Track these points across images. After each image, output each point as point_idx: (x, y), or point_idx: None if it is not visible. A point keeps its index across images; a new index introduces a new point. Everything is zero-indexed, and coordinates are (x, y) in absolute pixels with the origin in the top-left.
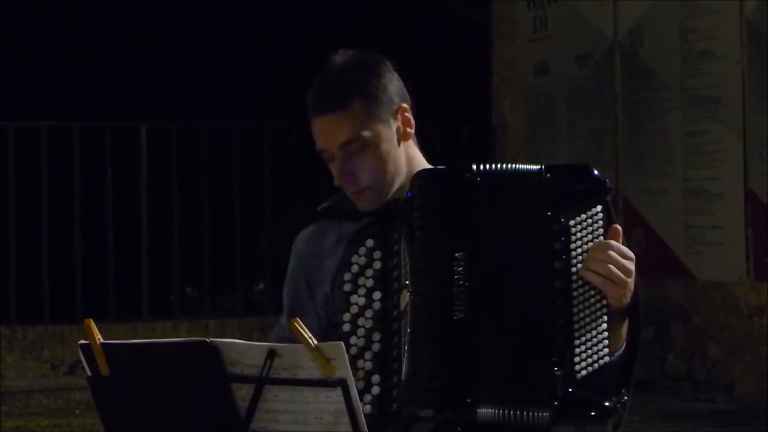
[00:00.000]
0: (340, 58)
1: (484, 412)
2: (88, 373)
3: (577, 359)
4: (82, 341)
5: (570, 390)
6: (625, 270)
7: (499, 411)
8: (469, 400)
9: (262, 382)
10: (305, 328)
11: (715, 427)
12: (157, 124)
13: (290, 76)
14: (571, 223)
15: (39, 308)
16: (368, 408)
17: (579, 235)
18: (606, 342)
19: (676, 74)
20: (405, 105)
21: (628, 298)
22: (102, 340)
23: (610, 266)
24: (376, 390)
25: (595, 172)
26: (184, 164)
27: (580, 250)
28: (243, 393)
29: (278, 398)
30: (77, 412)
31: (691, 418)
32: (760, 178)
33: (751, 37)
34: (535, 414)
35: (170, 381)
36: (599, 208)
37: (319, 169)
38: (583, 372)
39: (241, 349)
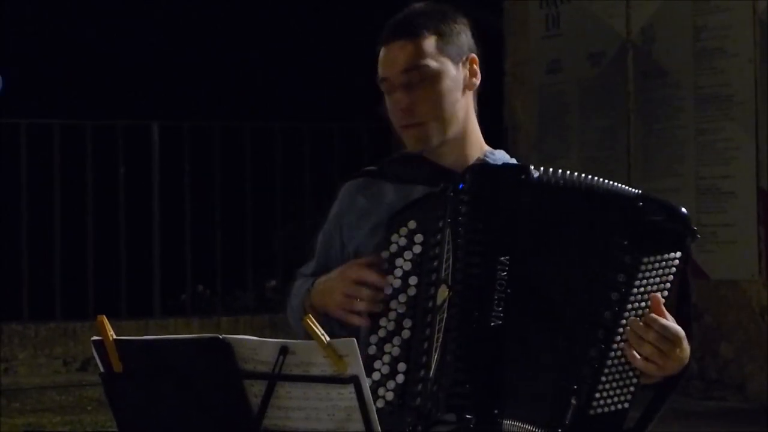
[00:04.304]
0: (420, 4)
1: (510, 425)
2: (101, 369)
3: (597, 395)
4: (95, 338)
5: (579, 423)
6: (662, 353)
7: (526, 428)
8: (496, 411)
9: (274, 378)
10: (317, 325)
11: (726, 426)
12: (169, 122)
13: (299, 76)
14: (644, 260)
15: (51, 305)
16: (390, 395)
17: (648, 274)
18: (633, 389)
19: (689, 72)
20: (474, 56)
21: (667, 374)
22: (115, 337)
23: (646, 346)
24: (400, 378)
25: (684, 211)
26: (195, 162)
27: (642, 289)
28: (256, 390)
29: (290, 395)
30: (89, 408)
31: (702, 417)
32: None
33: (763, 36)
34: None
35: (183, 377)
36: (678, 254)
37: (331, 168)
38: (599, 410)
39: (254, 346)
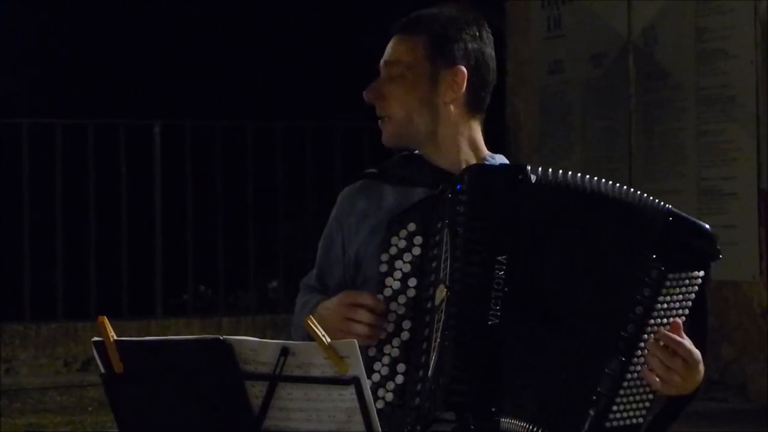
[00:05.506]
0: (441, 7)
1: (507, 423)
2: (102, 370)
3: (614, 408)
4: (96, 338)
5: None
6: (668, 369)
7: (523, 426)
8: (493, 409)
9: (275, 379)
10: (318, 326)
11: (728, 426)
12: (171, 121)
13: (300, 75)
14: (670, 276)
15: (52, 305)
16: (390, 396)
17: (672, 291)
18: (648, 404)
19: (690, 74)
20: (462, 68)
21: (677, 392)
22: (116, 338)
23: (663, 365)
24: (400, 379)
25: (711, 230)
26: (197, 162)
27: (666, 305)
28: (256, 391)
29: (291, 396)
30: (90, 409)
31: (704, 418)
32: None
33: (765, 37)
34: None
35: (184, 378)
36: (702, 273)
37: (332, 167)
38: (615, 423)
39: (255, 347)
